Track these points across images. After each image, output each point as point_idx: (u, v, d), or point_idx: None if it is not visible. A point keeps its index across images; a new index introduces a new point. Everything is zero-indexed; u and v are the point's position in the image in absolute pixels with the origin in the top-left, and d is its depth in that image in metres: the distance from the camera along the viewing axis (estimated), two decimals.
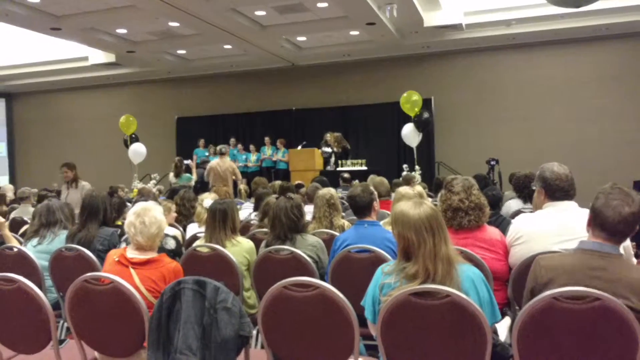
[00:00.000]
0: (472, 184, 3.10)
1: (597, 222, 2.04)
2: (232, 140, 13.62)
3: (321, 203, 4.18)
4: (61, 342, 2.69)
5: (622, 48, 11.76)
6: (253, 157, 13.32)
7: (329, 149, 11.82)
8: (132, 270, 2.59)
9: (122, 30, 11.27)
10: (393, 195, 4.87)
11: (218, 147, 10.27)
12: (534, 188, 3.00)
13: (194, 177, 11.41)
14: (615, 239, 2.02)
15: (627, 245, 2.50)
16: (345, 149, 12.12)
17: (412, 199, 2.39)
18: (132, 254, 2.66)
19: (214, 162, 9.61)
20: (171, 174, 10.77)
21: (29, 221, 4.69)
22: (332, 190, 4.36)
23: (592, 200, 2.07)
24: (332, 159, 11.77)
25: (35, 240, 3.84)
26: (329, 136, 12.00)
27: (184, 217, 5.17)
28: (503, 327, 2.69)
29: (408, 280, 2.09)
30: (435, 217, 2.16)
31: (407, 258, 2.15)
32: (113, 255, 2.72)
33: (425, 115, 11.11)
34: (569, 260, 2.09)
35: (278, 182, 7.26)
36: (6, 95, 17.11)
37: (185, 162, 11.44)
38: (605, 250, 2.02)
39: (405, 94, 11.08)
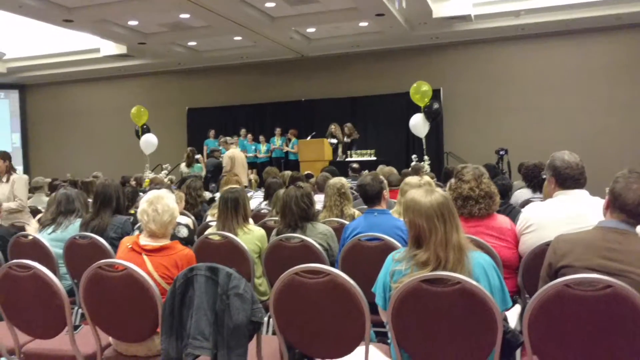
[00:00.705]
0: (482, 172, 3.10)
1: (616, 204, 2.09)
2: (242, 131, 13.65)
3: (332, 192, 4.19)
4: (76, 327, 2.72)
5: (632, 38, 11.60)
6: (263, 147, 13.34)
7: (334, 140, 11.80)
8: (145, 257, 2.60)
9: (133, 22, 11.30)
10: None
11: (227, 139, 10.28)
12: (544, 177, 2.99)
13: (203, 168, 11.46)
14: (634, 220, 2.07)
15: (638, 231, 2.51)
16: (355, 139, 12.11)
17: (423, 187, 2.39)
18: (145, 241, 2.67)
19: (236, 150, 9.58)
20: (183, 164, 10.84)
21: (42, 210, 4.73)
22: (342, 179, 4.38)
23: (611, 185, 2.12)
24: (340, 150, 11.75)
25: (50, 228, 3.86)
26: (333, 127, 11.98)
27: (190, 207, 5.21)
28: (513, 315, 2.69)
29: (419, 267, 2.09)
30: (446, 204, 2.16)
31: (418, 245, 2.15)
32: (126, 242, 2.73)
33: (435, 105, 11.07)
34: (586, 235, 2.15)
35: (288, 172, 7.26)
36: (19, 86, 17.22)
37: (196, 157, 11.47)
38: (622, 227, 2.07)
39: (415, 85, 11.03)
